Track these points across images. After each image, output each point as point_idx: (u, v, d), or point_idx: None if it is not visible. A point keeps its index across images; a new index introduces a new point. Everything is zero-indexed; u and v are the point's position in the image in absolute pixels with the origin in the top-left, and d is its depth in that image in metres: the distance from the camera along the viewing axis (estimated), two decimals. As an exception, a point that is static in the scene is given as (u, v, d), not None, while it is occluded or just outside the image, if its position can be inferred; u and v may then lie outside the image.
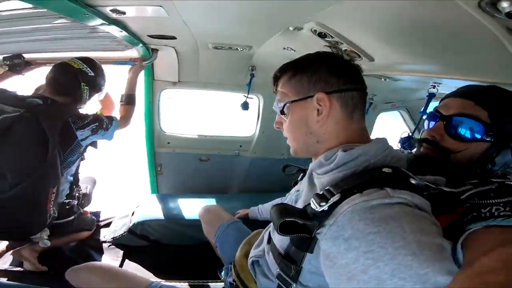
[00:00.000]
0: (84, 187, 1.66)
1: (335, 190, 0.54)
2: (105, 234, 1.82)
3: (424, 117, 0.81)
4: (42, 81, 1.33)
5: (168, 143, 2.12)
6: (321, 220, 0.53)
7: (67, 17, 0.95)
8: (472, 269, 0.40)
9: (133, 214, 1.89)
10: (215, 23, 1.14)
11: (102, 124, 1.32)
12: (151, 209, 1.89)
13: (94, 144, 1.40)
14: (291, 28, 1.04)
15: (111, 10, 0.94)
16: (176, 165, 2.20)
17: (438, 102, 0.75)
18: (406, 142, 1.44)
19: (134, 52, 1.54)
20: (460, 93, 0.69)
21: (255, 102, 2.08)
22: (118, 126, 1.42)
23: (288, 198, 0.84)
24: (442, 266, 0.42)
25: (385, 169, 0.55)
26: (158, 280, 1.02)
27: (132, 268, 1.61)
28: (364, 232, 0.47)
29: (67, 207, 1.45)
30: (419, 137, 0.86)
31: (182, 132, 2.18)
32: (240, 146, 2.23)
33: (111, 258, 1.69)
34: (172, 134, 2.12)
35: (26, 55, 1.41)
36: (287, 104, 0.68)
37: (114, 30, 1.10)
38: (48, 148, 1.14)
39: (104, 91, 1.47)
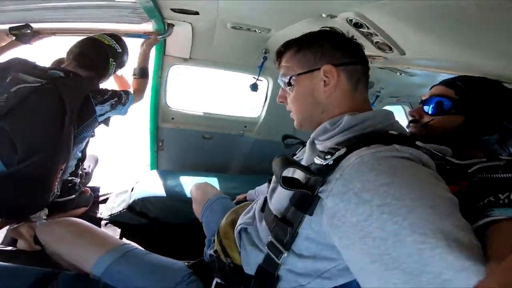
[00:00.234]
0: (87, 165, 1.63)
1: (341, 145, 0.53)
2: (102, 211, 1.77)
3: None
4: (60, 54, 1.28)
5: (172, 118, 2.10)
6: (326, 174, 0.51)
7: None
8: (507, 263, 0.38)
9: (132, 190, 1.84)
10: (247, 3, 1.12)
11: (121, 99, 1.30)
12: (151, 185, 1.84)
13: (106, 121, 1.36)
14: (324, 15, 1.03)
15: None
16: (179, 141, 2.18)
17: None
18: None
19: (148, 26, 1.48)
20: (437, 83, 0.82)
21: (263, 84, 2.07)
22: (133, 101, 1.39)
23: None
24: (461, 221, 0.41)
25: (391, 132, 0.56)
26: (135, 245, 0.98)
27: None
28: (376, 183, 0.43)
29: (69, 184, 1.41)
30: None
31: (187, 108, 2.15)
32: (245, 126, 2.23)
33: None
34: (177, 109, 2.09)
35: (34, 25, 1.32)
36: (293, 77, 0.69)
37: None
38: (65, 122, 1.09)
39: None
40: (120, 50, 1.36)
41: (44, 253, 1.25)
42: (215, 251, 0.85)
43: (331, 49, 0.66)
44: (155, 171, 2.08)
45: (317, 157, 0.53)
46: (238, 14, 1.29)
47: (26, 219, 1.25)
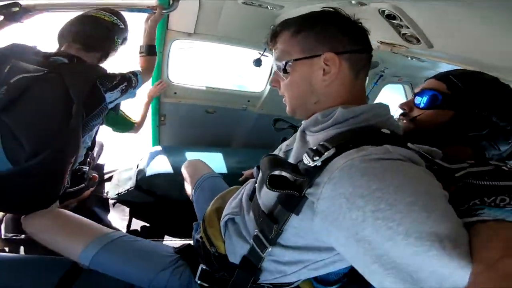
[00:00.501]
0: (95, 152, 1.60)
1: (330, 144, 0.51)
2: (108, 190, 1.75)
3: None
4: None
5: (175, 93, 2.06)
6: (313, 176, 0.50)
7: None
8: (495, 270, 0.38)
9: (138, 167, 1.82)
10: None
11: (131, 83, 1.23)
12: (156, 162, 1.82)
13: (116, 108, 1.32)
14: (353, 1, 0.98)
15: None
16: (181, 116, 2.16)
17: None
18: None
19: (152, 0, 1.39)
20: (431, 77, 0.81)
21: (267, 60, 2.03)
22: (142, 81, 1.33)
23: (277, 152, 0.79)
24: (454, 218, 0.43)
25: (384, 130, 0.54)
26: (122, 232, 0.98)
27: (139, 226, 1.59)
28: (368, 188, 0.43)
29: (79, 173, 1.38)
30: None
31: (190, 83, 2.10)
32: (248, 101, 2.23)
33: (118, 217, 1.63)
34: (179, 84, 2.04)
35: (23, 2, 1.20)
36: (289, 63, 0.63)
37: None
38: (71, 112, 1.00)
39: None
40: (123, 26, 1.26)
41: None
42: (201, 237, 0.84)
43: (336, 33, 0.61)
44: (158, 147, 2.07)
45: (305, 155, 0.52)
46: None
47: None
